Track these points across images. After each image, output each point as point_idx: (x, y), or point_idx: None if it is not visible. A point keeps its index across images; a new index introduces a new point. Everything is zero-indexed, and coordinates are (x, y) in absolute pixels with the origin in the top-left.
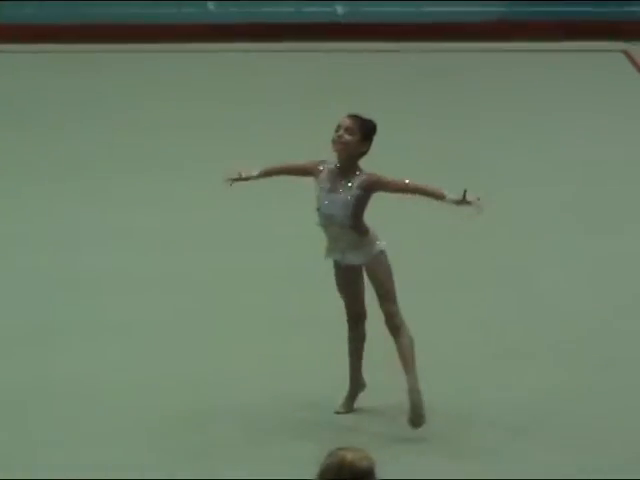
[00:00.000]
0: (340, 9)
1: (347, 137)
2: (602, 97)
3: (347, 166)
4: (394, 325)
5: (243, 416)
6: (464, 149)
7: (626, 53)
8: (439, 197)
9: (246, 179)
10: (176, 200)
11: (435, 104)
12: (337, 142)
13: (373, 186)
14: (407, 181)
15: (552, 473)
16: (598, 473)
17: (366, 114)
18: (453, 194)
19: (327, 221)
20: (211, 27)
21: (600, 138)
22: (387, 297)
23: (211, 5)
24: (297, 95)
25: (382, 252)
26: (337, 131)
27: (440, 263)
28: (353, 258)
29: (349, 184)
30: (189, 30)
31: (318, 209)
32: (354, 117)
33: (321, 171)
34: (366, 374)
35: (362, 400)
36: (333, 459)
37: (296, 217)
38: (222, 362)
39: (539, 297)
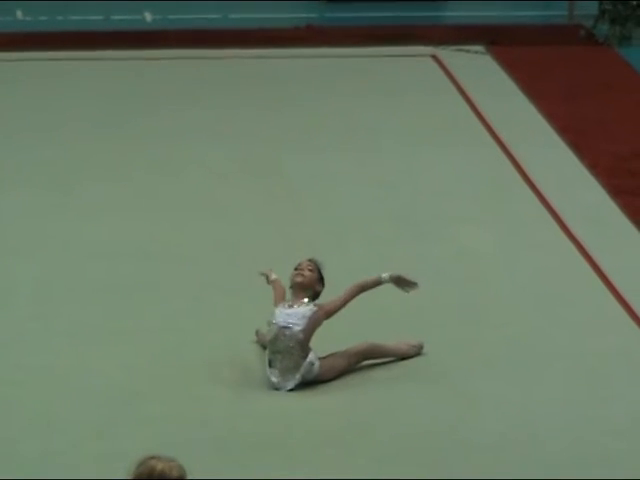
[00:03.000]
0: (149, 16)
1: (307, 272)
2: (414, 101)
3: (304, 294)
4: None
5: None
6: (275, 158)
7: (435, 57)
8: (377, 283)
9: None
10: None
11: (246, 112)
12: (299, 274)
13: (325, 313)
14: (345, 294)
15: None
16: None
17: (178, 124)
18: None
19: (280, 334)
20: (19, 36)
21: (414, 144)
22: None
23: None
24: (106, 103)
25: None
26: (298, 268)
27: None
28: (288, 383)
29: (305, 303)
30: None
31: (274, 322)
32: (312, 261)
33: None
34: None
35: None
36: (143, 469)
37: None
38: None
39: None
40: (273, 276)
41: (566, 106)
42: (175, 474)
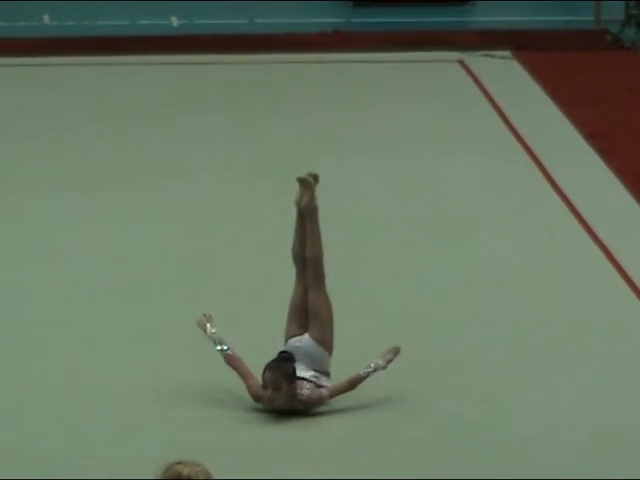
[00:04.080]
0: (175, 21)
1: (277, 396)
2: (440, 107)
3: (288, 405)
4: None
5: None
6: (300, 163)
7: (461, 63)
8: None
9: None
10: None
11: (271, 117)
12: (272, 402)
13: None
14: (338, 384)
15: None
16: None
17: (202, 127)
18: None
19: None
20: (46, 41)
21: (440, 149)
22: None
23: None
24: (131, 107)
25: None
26: (265, 389)
27: None
28: None
29: (296, 409)
30: (23, 44)
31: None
32: (273, 369)
33: (263, 398)
34: None
35: None
36: (169, 474)
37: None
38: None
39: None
40: (212, 329)
41: (593, 111)
42: (201, 479)
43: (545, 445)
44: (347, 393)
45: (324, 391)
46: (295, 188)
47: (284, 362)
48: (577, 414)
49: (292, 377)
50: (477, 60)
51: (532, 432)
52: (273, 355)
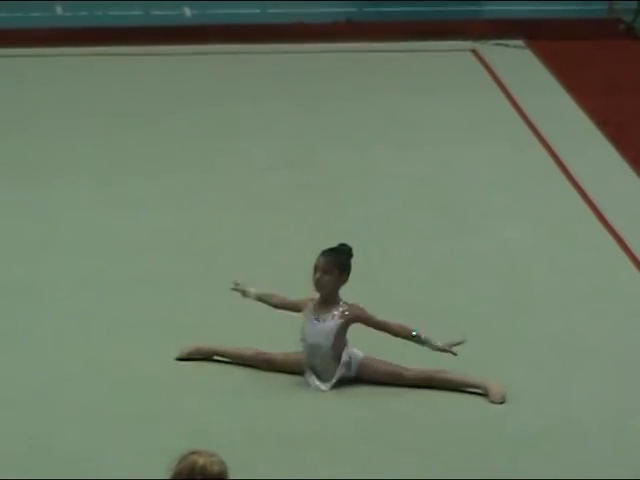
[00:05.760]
0: (188, 12)
1: (325, 278)
2: (453, 96)
3: (329, 300)
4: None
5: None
6: (314, 153)
7: (474, 52)
8: (417, 341)
9: (243, 294)
10: None
11: (284, 107)
12: (317, 284)
13: (355, 319)
14: (388, 321)
15: None
16: None
17: (217, 119)
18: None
19: (311, 351)
20: (58, 32)
21: (453, 139)
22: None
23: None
24: (145, 98)
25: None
26: (315, 272)
27: None
28: (324, 386)
29: (332, 315)
30: (36, 35)
31: (302, 340)
32: (328, 255)
33: (308, 306)
34: None
35: None
36: (185, 463)
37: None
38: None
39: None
40: (252, 290)
41: (606, 100)
42: (216, 469)
43: (558, 437)
44: (361, 382)
45: (365, 309)
46: (313, 179)
47: (341, 252)
48: (591, 405)
49: (345, 268)
50: (490, 49)
51: (545, 424)
52: (293, 344)
